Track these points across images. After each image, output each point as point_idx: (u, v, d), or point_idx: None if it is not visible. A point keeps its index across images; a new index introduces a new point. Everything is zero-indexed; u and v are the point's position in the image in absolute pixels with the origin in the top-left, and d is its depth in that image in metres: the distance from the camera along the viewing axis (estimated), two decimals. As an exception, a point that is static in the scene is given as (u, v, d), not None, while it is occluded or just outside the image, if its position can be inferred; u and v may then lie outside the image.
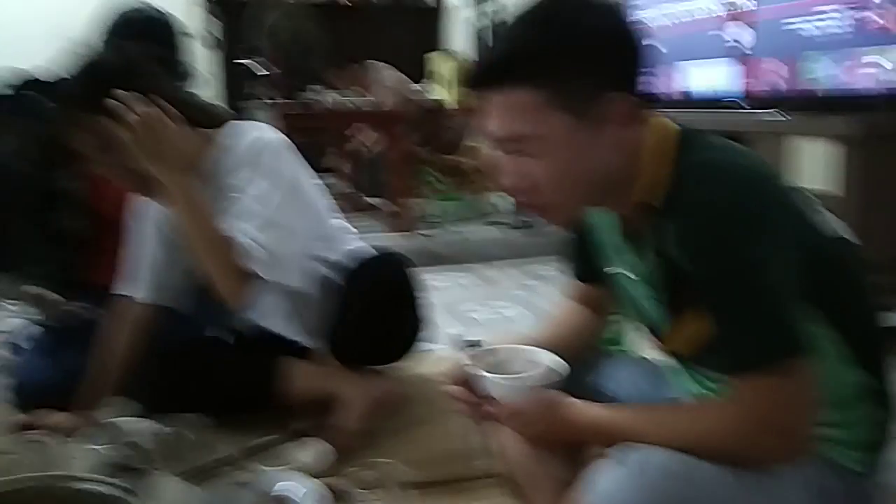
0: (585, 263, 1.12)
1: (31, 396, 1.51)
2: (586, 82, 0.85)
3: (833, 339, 0.88)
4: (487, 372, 0.96)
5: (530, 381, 0.95)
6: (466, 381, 1.00)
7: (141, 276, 1.49)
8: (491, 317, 2.48)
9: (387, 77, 4.37)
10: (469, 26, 5.92)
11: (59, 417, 1.40)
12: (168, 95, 1.29)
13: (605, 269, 1.07)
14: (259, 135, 1.38)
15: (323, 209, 1.55)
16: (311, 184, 1.50)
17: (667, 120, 0.93)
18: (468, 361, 1.00)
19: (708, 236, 0.82)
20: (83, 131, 1.29)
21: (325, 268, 1.51)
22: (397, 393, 1.57)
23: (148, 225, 1.49)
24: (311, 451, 1.27)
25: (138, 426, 1.31)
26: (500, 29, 0.91)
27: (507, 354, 1.02)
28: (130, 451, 1.17)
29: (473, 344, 1.83)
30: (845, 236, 0.92)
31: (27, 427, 1.40)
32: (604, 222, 1.04)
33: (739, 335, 0.82)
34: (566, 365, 0.99)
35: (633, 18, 0.90)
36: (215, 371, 1.48)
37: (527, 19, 0.87)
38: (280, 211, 1.32)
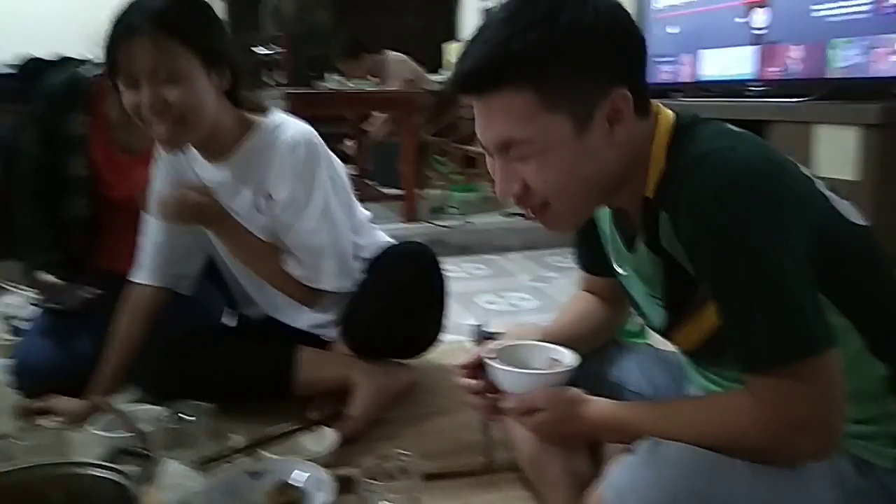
0: (593, 256, 1.09)
1: (34, 379, 1.50)
2: (586, 81, 0.81)
3: (855, 330, 0.83)
4: (507, 365, 0.94)
5: (547, 376, 0.93)
6: (481, 374, 0.98)
7: (145, 260, 1.49)
8: (506, 308, 2.46)
9: (402, 66, 4.35)
10: (483, 14, 5.89)
11: (71, 404, 1.39)
12: (233, 62, 1.31)
13: (610, 265, 1.04)
14: (297, 138, 1.35)
15: (353, 201, 1.53)
16: (343, 179, 1.48)
17: (665, 109, 0.88)
18: (486, 354, 0.97)
19: (706, 222, 0.77)
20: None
21: (357, 261, 1.49)
22: (412, 383, 1.55)
23: (154, 207, 1.47)
24: (322, 440, 1.25)
25: (149, 413, 1.30)
26: (486, 25, 0.83)
27: (526, 350, 1.00)
28: (140, 438, 1.16)
29: (491, 335, 1.82)
30: (865, 224, 0.87)
31: (40, 412, 1.40)
32: (604, 218, 1.01)
33: (757, 330, 0.76)
34: (580, 359, 0.97)
35: (632, 8, 0.86)
36: (227, 359, 1.46)
37: (520, 16, 0.80)
38: (318, 222, 1.37)
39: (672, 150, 0.84)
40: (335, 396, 1.43)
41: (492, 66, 0.80)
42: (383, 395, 1.42)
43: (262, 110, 1.41)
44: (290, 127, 1.37)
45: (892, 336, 0.86)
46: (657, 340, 1.10)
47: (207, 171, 1.41)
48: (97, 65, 1.59)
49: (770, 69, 2.42)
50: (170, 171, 1.46)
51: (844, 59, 2.12)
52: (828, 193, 0.85)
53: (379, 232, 1.59)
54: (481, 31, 0.83)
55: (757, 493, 0.78)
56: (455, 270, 2.85)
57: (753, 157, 0.79)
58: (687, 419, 0.86)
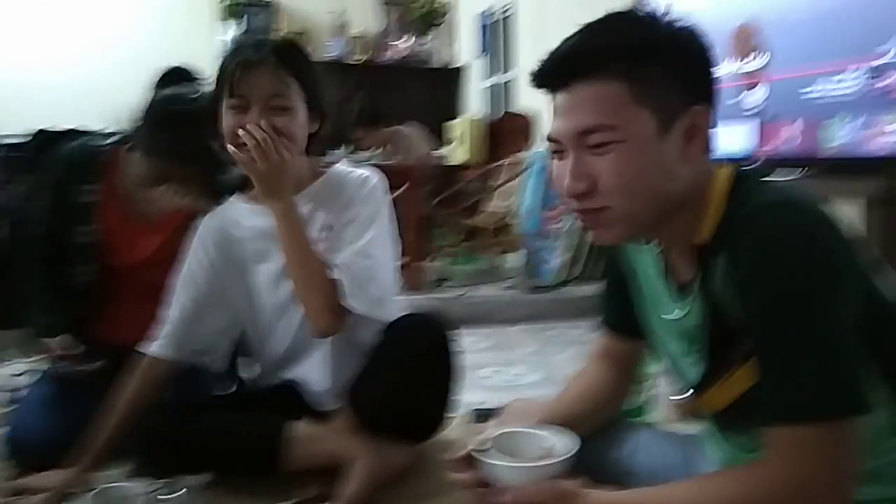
0: (622, 312, 1.07)
1: (28, 450, 1.48)
2: (675, 88, 0.83)
3: (891, 405, 0.81)
4: (499, 457, 0.91)
5: (542, 468, 0.90)
6: (473, 466, 0.95)
7: (167, 330, 1.47)
8: (506, 381, 2.42)
9: (418, 139, 4.47)
10: (485, 90, 6.06)
11: (53, 479, 1.35)
12: (322, 111, 1.40)
13: (643, 320, 1.02)
14: (368, 174, 1.46)
15: (395, 253, 1.51)
16: (394, 230, 1.48)
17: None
18: (478, 446, 0.94)
19: (767, 265, 0.76)
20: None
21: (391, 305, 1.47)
22: (409, 465, 1.47)
23: (184, 275, 1.49)
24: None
25: (131, 490, 1.26)
26: (586, 25, 0.87)
27: (520, 439, 0.97)
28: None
29: (488, 413, 1.79)
30: None
31: (24, 491, 1.36)
32: (647, 266, 0.99)
33: (798, 379, 0.75)
34: (577, 444, 0.93)
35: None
36: (217, 429, 1.41)
37: (622, 18, 0.86)
38: (373, 245, 1.37)
39: (733, 196, 0.84)
40: (327, 474, 1.38)
41: (591, 53, 0.83)
42: (378, 476, 1.36)
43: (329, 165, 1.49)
44: (362, 169, 1.47)
45: None
46: (660, 420, 1.08)
47: (258, 216, 1.44)
48: (104, 135, 1.63)
49: (768, 145, 2.47)
50: (211, 231, 1.49)
51: (841, 137, 2.16)
52: (872, 259, 0.85)
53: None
54: (580, 29, 0.86)
55: None
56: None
57: (819, 214, 0.79)
58: (689, 496, 0.83)
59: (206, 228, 1.50)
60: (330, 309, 1.33)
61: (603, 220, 0.86)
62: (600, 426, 1.12)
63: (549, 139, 0.89)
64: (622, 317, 1.07)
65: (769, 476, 0.77)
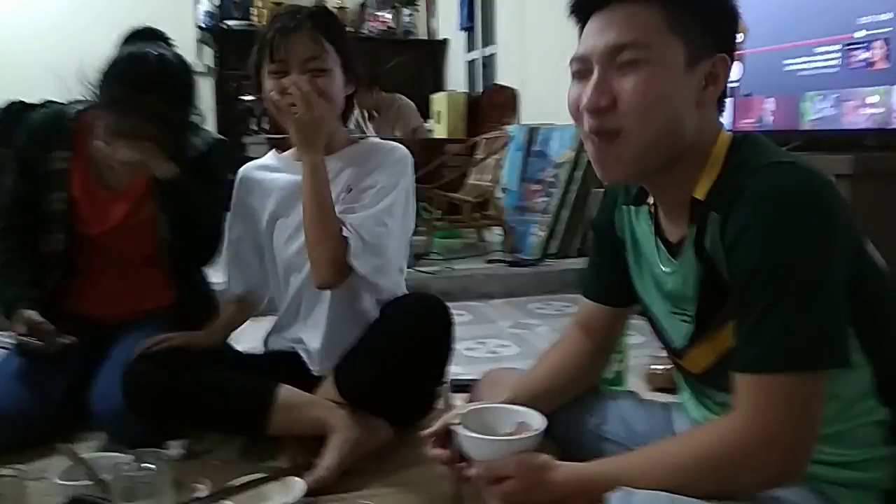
0: (606, 281, 1.09)
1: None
2: (707, 29, 0.85)
3: (868, 368, 0.83)
4: (473, 432, 0.93)
5: (513, 442, 0.91)
6: (448, 441, 0.97)
7: (225, 270, 1.62)
8: (486, 355, 2.43)
9: (412, 114, 4.44)
10: (467, 64, 6.01)
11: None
12: (357, 74, 1.49)
13: (636, 284, 1.03)
14: (398, 146, 1.52)
15: (409, 232, 1.54)
16: (412, 209, 1.52)
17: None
18: (455, 420, 0.96)
19: (759, 222, 0.78)
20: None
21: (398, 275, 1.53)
22: (389, 438, 1.47)
23: (228, 217, 1.60)
24: (289, 490, 1.22)
25: (111, 461, 1.26)
26: None
27: (494, 414, 0.99)
28: (101, 488, 1.12)
29: (462, 384, 1.81)
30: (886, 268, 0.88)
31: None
32: (642, 228, 1.00)
33: (776, 330, 0.77)
34: (546, 421, 0.95)
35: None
36: (209, 382, 1.41)
37: None
38: (388, 214, 1.41)
39: (733, 156, 0.87)
40: (306, 445, 1.39)
41: None
42: (358, 448, 1.37)
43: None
44: (393, 143, 1.53)
45: None
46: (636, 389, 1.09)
47: (287, 172, 1.51)
48: (80, 103, 1.59)
49: (742, 120, 2.47)
50: (247, 180, 1.58)
51: (816, 112, 2.17)
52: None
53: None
54: None
55: None
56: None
57: (813, 175, 0.81)
58: (655, 456, 0.85)
59: (243, 175, 1.60)
60: (334, 263, 1.37)
61: (614, 148, 0.86)
62: (577, 395, 1.13)
63: (576, 59, 0.90)
64: (606, 286, 1.09)
65: (737, 426, 0.79)
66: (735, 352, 0.82)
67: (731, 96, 2.50)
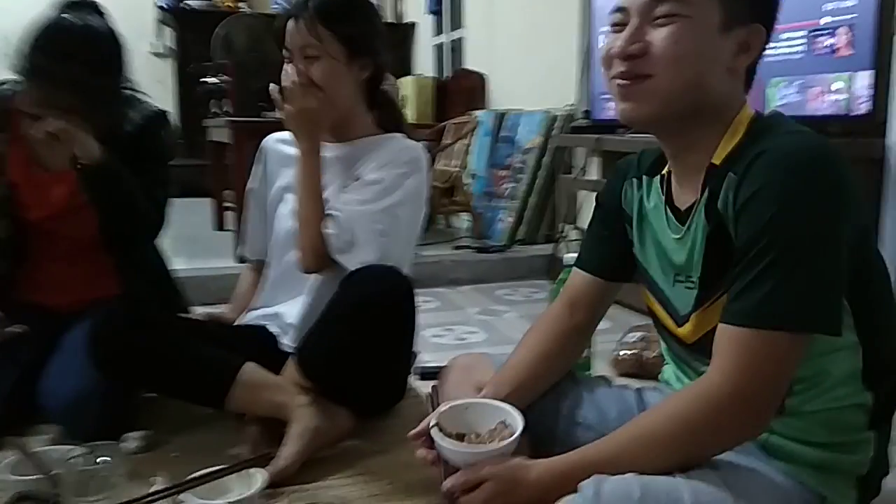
0: (604, 254, 1.09)
1: None
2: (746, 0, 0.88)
3: (858, 350, 0.85)
4: (455, 430, 0.93)
5: (491, 451, 0.91)
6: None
7: (245, 236, 1.73)
8: (453, 341, 2.42)
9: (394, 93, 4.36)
10: (434, 48, 5.96)
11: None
12: (377, 59, 1.52)
13: (640, 254, 1.03)
14: (412, 144, 1.53)
15: (415, 238, 1.56)
16: (422, 212, 1.53)
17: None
18: (434, 421, 0.95)
19: (773, 184, 0.80)
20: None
21: None
22: (351, 429, 1.44)
23: (249, 184, 1.70)
24: (249, 482, 1.19)
25: (66, 454, 1.22)
26: None
27: (475, 412, 0.98)
28: (50, 482, 1.07)
29: (430, 372, 1.80)
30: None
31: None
32: (651, 197, 1.01)
33: (773, 286, 0.78)
34: (523, 421, 0.95)
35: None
36: (177, 345, 1.38)
37: None
38: (386, 214, 1.42)
39: (752, 126, 0.89)
40: (268, 433, 1.36)
41: None
42: (319, 439, 1.34)
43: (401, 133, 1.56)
44: (411, 140, 1.54)
45: (887, 372, 0.88)
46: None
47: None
48: (15, 83, 1.52)
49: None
50: (267, 150, 1.67)
51: (780, 98, 2.19)
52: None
53: None
54: None
55: None
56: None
57: (832, 150, 0.83)
58: (633, 433, 0.86)
59: (265, 145, 1.68)
60: (314, 250, 1.41)
61: (641, 89, 0.88)
62: (564, 372, 1.13)
63: (615, 10, 0.92)
64: (604, 259, 1.09)
65: (712, 385, 0.81)
66: (727, 306, 0.83)
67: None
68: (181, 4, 6.00)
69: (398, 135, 1.55)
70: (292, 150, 1.54)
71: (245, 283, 1.72)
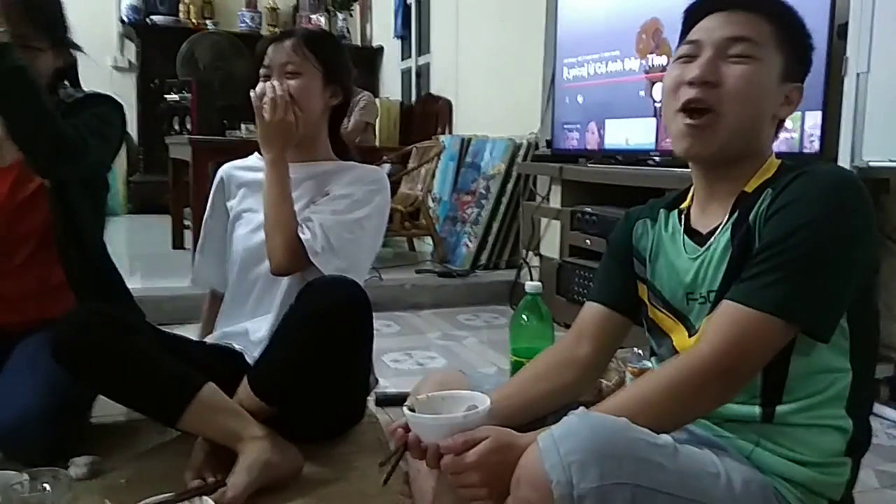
0: (616, 286, 1.12)
1: None
2: (799, 55, 0.97)
3: (848, 376, 0.90)
4: (430, 413, 0.92)
5: (464, 420, 0.89)
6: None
7: (195, 262, 1.76)
8: (413, 367, 2.41)
9: (372, 109, 4.41)
10: (401, 73, 6.00)
11: None
12: (346, 88, 1.64)
13: (653, 281, 1.06)
14: (376, 168, 1.66)
15: (375, 251, 1.62)
16: (382, 230, 1.61)
17: None
18: (407, 405, 0.94)
19: (816, 193, 0.86)
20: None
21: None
22: (300, 468, 1.39)
23: (206, 212, 1.72)
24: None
25: (5, 480, 1.16)
26: None
27: (449, 401, 0.98)
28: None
29: (389, 398, 1.79)
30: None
31: None
32: (664, 230, 1.07)
33: (785, 278, 0.84)
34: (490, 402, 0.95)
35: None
36: (143, 357, 1.34)
37: None
38: (357, 225, 1.50)
39: (785, 165, 0.97)
40: (213, 460, 1.33)
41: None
42: (268, 472, 1.30)
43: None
44: (374, 167, 1.66)
45: (865, 402, 0.95)
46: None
47: (261, 171, 1.56)
48: None
49: (669, 140, 2.55)
50: (223, 176, 1.71)
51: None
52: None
53: None
54: None
55: (681, 466, 0.81)
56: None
57: (865, 187, 0.89)
58: (625, 396, 0.90)
59: (223, 173, 1.72)
60: (288, 247, 1.45)
61: (709, 122, 0.93)
62: (562, 404, 1.10)
63: (687, 43, 0.98)
64: (615, 292, 1.12)
65: (700, 354, 0.86)
66: (732, 287, 0.89)
67: (658, 116, 2.58)
68: (145, 19, 5.94)
69: (357, 163, 1.64)
70: (251, 175, 1.63)
71: (211, 310, 1.72)
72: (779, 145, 2.07)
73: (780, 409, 0.90)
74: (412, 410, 0.93)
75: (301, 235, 1.45)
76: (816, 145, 2.02)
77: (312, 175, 1.58)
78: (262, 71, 1.57)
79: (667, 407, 0.87)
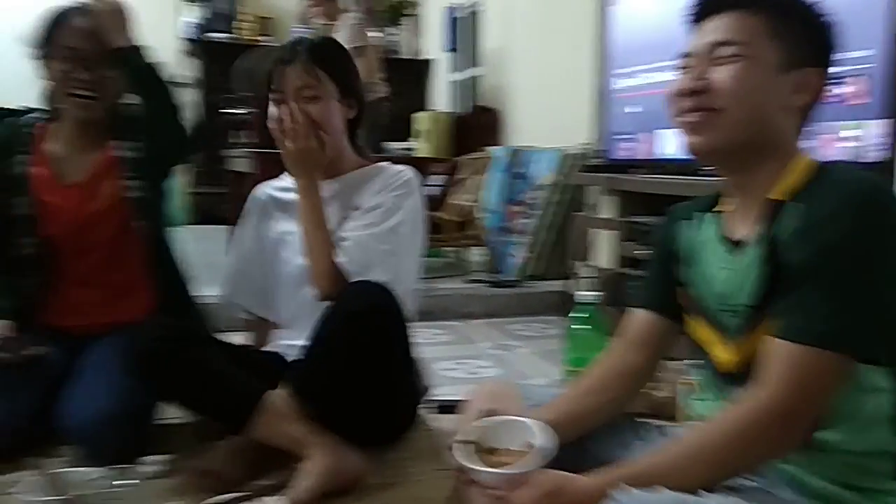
0: (665, 292, 1.10)
1: None
2: (805, 41, 0.95)
3: (889, 396, 0.86)
4: (481, 451, 0.93)
5: (521, 467, 0.89)
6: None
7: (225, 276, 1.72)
8: (465, 375, 2.43)
9: (356, 31, 4.20)
10: (452, 84, 6.05)
11: None
12: (360, 97, 1.59)
13: (692, 286, 1.05)
14: (405, 168, 1.59)
15: (419, 250, 1.58)
16: (422, 229, 1.58)
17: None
18: (458, 446, 0.94)
19: (851, 210, 0.84)
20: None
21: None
22: (364, 475, 1.40)
23: (237, 233, 1.72)
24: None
25: (85, 477, 1.24)
26: None
27: (504, 429, 0.97)
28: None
29: (448, 405, 1.78)
30: None
31: None
32: (704, 232, 1.05)
33: (834, 305, 0.82)
34: (555, 439, 0.94)
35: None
36: (212, 368, 1.39)
37: None
38: (392, 234, 1.48)
39: (816, 170, 0.93)
40: (284, 465, 1.37)
41: None
42: (333, 478, 1.33)
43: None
44: (401, 167, 1.60)
45: None
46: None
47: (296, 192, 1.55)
48: (35, 110, 1.64)
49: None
50: (258, 198, 1.70)
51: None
52: None
53: None
54: None
55: None
56: (416, 336, 2.81)
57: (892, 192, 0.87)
58: (681, 445, 0.88)
59: (256, 195, 1.71)
60: (328, 275, 1.44)
61: (709, 121, 0.94)
62: (617, 413, 1.12)
63: (682, 55, 1.00)
64: (660, 295, 1.11)
65: (759, 400, 0.83)
66: (778, 321, 0.86)
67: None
68: (204, 36, 6.15)
69: (385, 164, 1.62)
70: (287, 196, 1.60)
71: (260, 335, 1.74)
72: (837, 154, 2.04)
73: (821, 435, 0.86)
74: (465, 442, 0.93)
75: (337, 260, 1.44)
76: (878, 155, 1.97)
77: (341, 189, 1.56)
78: (273, 95, 1.51)
79: (722, 459, 0.84)
